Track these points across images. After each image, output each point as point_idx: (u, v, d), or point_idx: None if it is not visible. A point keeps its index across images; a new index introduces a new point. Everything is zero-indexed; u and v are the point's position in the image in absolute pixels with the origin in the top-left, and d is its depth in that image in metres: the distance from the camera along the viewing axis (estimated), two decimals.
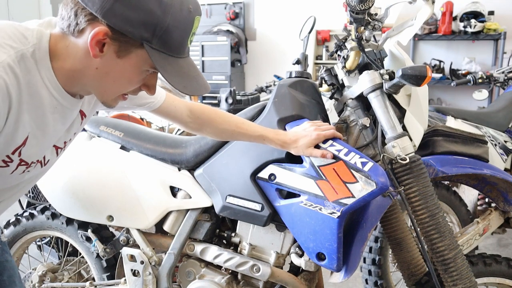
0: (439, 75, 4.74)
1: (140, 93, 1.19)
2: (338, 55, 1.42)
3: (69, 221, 1.65)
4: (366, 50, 1.30)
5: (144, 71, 0.91)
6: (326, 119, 1.37)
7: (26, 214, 1.72)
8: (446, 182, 2.26)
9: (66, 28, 0.87)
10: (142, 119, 3.74)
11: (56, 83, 0.91)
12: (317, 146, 1.22)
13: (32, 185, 1.16)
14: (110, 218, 1.50)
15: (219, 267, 1.43)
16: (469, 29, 4.53)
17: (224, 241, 1.45)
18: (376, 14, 1.27)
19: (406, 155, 1.20)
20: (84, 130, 1.60)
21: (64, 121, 1.00)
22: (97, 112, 3.53)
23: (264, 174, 1.29)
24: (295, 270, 1.39)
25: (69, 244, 1.77)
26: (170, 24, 0.85)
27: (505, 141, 2.10)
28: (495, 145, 2.05)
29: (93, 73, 0.90)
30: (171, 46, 0.88)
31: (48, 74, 0.90)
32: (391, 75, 1.24)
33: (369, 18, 1.25)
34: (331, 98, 1.42)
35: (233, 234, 1.42)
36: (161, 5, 0.84)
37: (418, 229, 1.23)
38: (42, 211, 1.70)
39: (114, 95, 0.96)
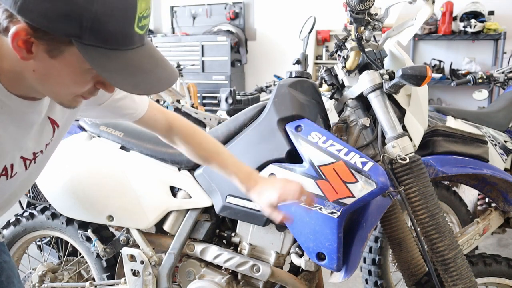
0: (439, 75, 4.74)
1: (121, 103, 1.12)
2: (338, 55, 1.42)
3: (69, 221, 1.65)
4: (366, 50, 1.30)
5: (87, 69, 0.77)
6: (326, 119, 1.37)
7: (26, 214, 1.72)
8: (446, 182, 2.26)
9: None
10: None
11: None
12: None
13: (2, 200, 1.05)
14: (110, 218, 1.50)
15: (219, 267, 1.43)
16: (469, 29, 4.53)
17: (224, 241, 1.45)
18: (376, 14, 1.27)
19: (406, 155, 1.20)
20: (84, 130, 1.60)
21: (18, 125, 0.89)
22: None
23: (264, 174, 1.29)
24: (295, 270, 1.39)
25: (69, 244, 1.77)
26: (99, 12, 0.70)
27: (505, 141, 2.10)
28: (495, 145, 2.05)
29: (32, 76, 0.79)
30: (109, 38, 0.73)
31: None
32: (391, 75, 1.24)
33: (369, 18, 1.25)
34: (331, 98, 1.42)
35: (233, 234, 1.41)
36: None
37: (418, 229, 1.23)
38: (42, 211, 1.70)
39: (68, 97, 0.84)
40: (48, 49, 0.74)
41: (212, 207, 1.40)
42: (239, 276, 1.42)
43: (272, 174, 1.27)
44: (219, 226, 1.46)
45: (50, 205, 1.67)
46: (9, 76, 0.81)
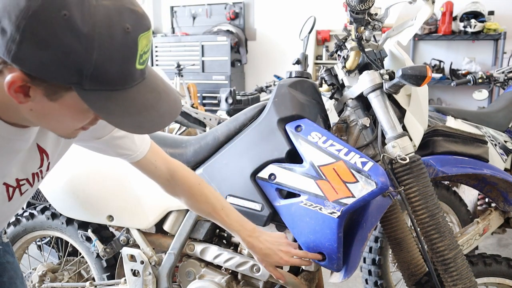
0: (439, 75, 4.74)
1: (119, 141, 1.09)
2: (338, 55, 1.42)
3: (69, 221, 1.65)
4: (366, 50, 1.30)
5: (88, 108, 0.73)
6: (326, 119, 1.37)
7: (26, 214, 1.72)
8: (446, 182, 2.26)
9: None
10: None
11: None
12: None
13: None
14: (110, 218, 1.50)
15: (219, 267, 1.43)
16: (469, 29, 4.53)
17: (224, 241, 1.45)
18: (376, 14, 1.27)
19: (406, 155, 1.20)
20: None
21: (1, 151, 0.84)
22: None
23: (264, 174, 1.29)
24: (295, 270, 1.39)
25: (69, 244, 1.77)
26: (100, 60, 0.67)
27: (505, 141, 2.11)
28: (495, 145, 2.06)
29: (29, 114, 0.75)
30: (110, 81, 0.70)
31: None
32: (391, 75, 1.24)
33: (369, 18, 1.25)
34: (331, 98, 1.42)
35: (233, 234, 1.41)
36: (81, 38, 0.65)
37: (418, 229, 1.23)
38: (42, 211, 1.70)
39: (67, 131, 0.82)
40: (46, 93, 0.71)
41: None
42: (239, 276, 1.42)
43: (272, 174, 1.27)
44: (219, 226, 1.46)
45: (50, 205, 1.67)
46: (3, 107, 0.77)
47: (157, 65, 5.95)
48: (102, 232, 1.63)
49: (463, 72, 4.62)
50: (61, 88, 0.70)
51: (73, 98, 0.71)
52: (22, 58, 0.66)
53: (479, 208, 2.41)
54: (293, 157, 1.27)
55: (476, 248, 2.22)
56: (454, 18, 4.66)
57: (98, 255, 1.60)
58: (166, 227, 1.46)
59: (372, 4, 1.17)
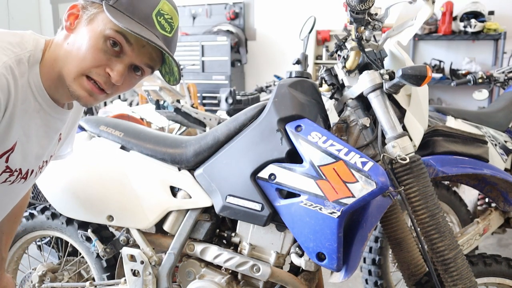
0: (439, 75, 4.74)
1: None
2: (338, 55, 1.42)
3: (69, 221, 1.65)
4: (366, 50, 1.30)
5: (106, 38, 0.93)
6: (326, 119, 1.37)
7: (26, 214, 1.72)
8: (446, 182, 2.26)
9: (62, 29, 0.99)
10: (142, 119, 3.74)
11: (41, 87, 0.96)
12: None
13: (10, 207, 1.16)
14: (110, 218, 1.50)
15: (219, 267, 1.43)
16: (469, 29, 4.53)
17: (224, 241, 1.45)
18: (376, 14, 1.27)
19: (406, 155, 1.20)
20: (84, 130, 1.60)
21: (46, 129, 1.03)
22: (97, 112, 3.54)
23: (264, 174, 1.29)
24: (295, 270, 1.39)
25: (69, 244, 1.77)
26: None
27: (505, 141, 2.11)
28: (495, 145, 2.06)
29: (63, 52, 0.96)
30: (130, 9, 0.93)
31: (35, 79, 0.95)
32: (391, 75, 1.24)
33: (369, 18, 1.25)
34: (331, 98, 1.42)
35: (233, 234, 1.41)
36: None
37: (418, 229, 1.23)
38: (42, 211, 1.70)
39: (79, 71, 0.95)
40: (86, 18, 0.94)
41: (212, 207, 1.40)
42: (239, 276, 1.42)
43: (272, 174, 1.27)
44: (219, 226, 1.46)
45: (50, 205, 1.67)
46: (49, 74, 0.97)
47: None
48: (102, 232, 1.63)
49: (463, 72, 4.62)
50: (98, 13, 0.93)
51: (101, 21, 0.93)
52: None
53: (479, 208, 2.41)
54: (293, 157, 1.26)
55: (476, 248, 2.23)
56: (454, 18, 4.66)
57: (98, 255, 1.60)
58: (166, 227, 1.46)
59: (372, 4, 1.17)
